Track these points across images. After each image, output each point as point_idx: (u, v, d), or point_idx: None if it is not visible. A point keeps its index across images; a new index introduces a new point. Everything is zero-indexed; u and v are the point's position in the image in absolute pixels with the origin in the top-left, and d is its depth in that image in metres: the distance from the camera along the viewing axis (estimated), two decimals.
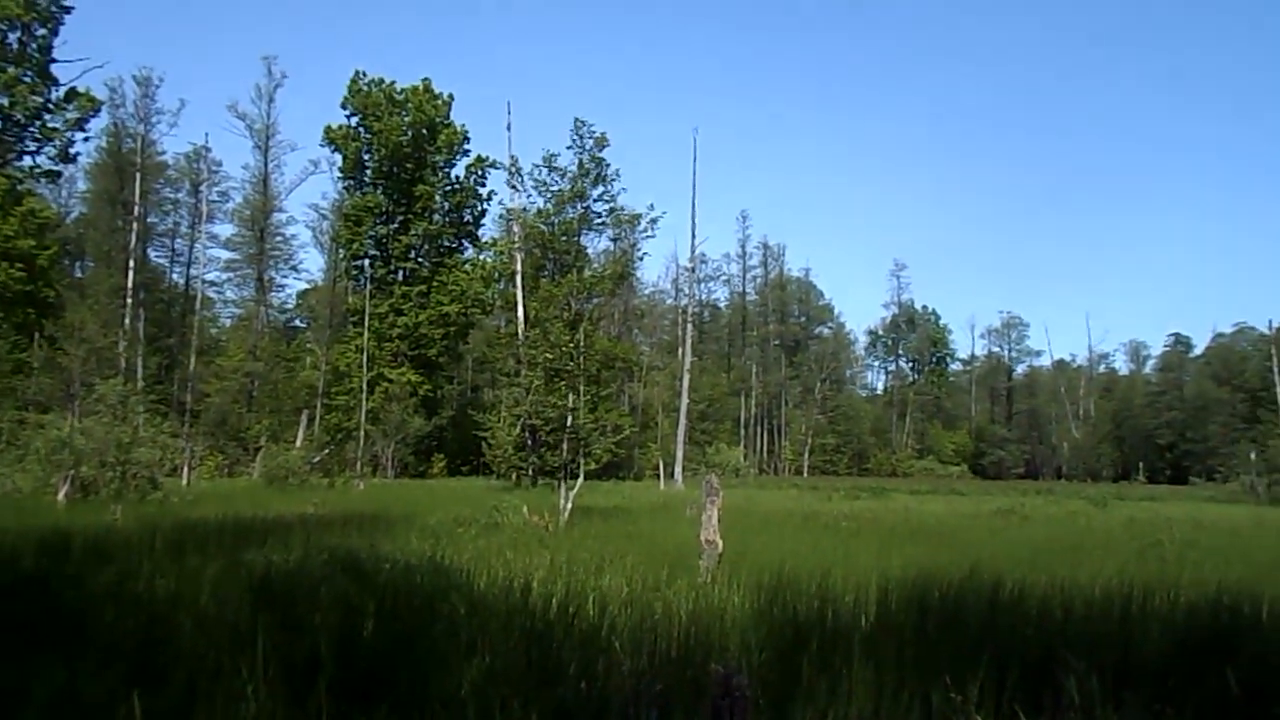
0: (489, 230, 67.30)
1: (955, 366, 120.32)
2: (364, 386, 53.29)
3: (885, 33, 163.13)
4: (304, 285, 78.66)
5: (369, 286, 59.28)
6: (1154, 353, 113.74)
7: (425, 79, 62.00)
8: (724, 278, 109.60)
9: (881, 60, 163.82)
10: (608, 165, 43.39)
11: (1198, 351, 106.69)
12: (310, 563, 7.94)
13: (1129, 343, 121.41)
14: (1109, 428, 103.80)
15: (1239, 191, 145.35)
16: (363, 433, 51.19)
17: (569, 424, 26.54)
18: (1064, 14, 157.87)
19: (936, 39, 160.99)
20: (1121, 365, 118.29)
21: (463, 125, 63.40)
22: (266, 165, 66.03)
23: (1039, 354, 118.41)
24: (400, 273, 61.98)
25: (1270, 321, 79.78)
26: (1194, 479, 77.05)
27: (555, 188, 43.55)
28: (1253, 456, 53.26)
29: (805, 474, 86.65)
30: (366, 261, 61.22)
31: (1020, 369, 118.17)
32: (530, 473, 38.24)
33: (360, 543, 9.81)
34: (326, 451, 41.03)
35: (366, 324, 56.22)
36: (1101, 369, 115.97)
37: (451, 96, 62.96)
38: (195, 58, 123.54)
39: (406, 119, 60.39)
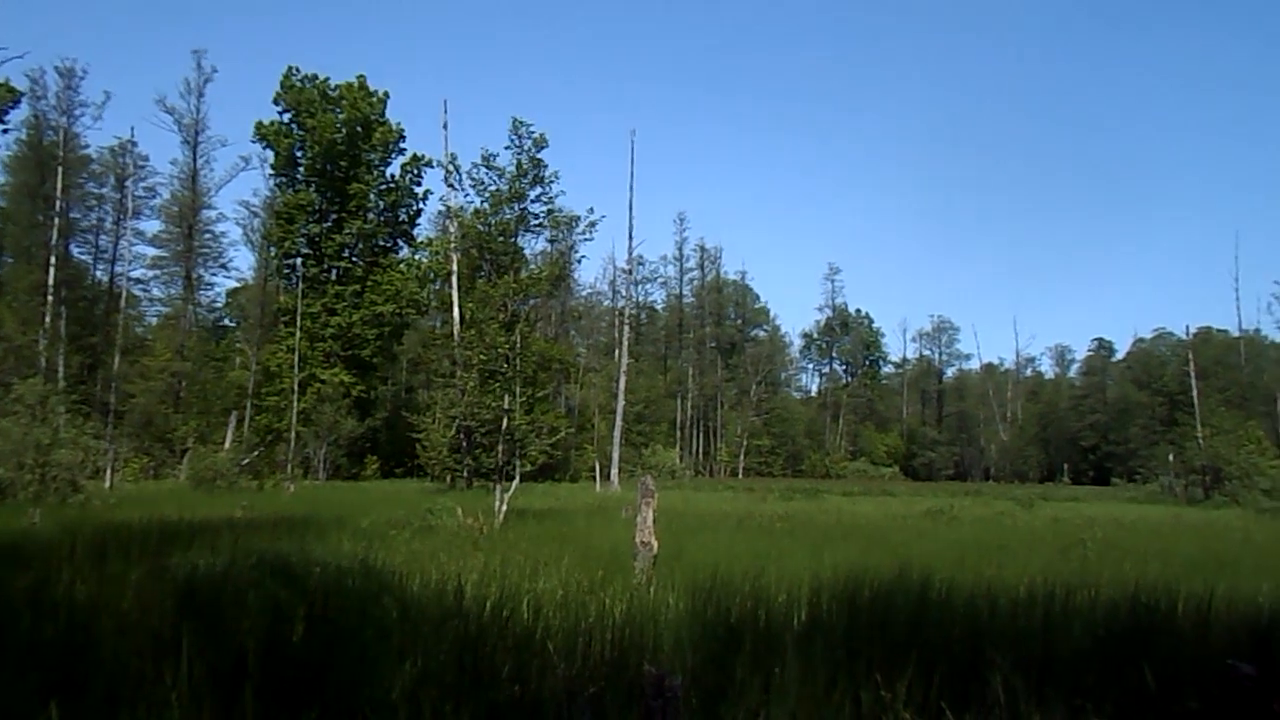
0: (424, 230, 66.72)
1: (888, 369, 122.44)
2: (295, 387, 52.37)
3: (822, 39, 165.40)
4: (234, 284, 76.93)
5: (301, 285, 58.23)
6: (1078, 357, 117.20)
7: (360, 76, 61.22)
8: (661, 280, 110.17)
9: (817, 66, 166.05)
10: (546, 166, 43.21)
11: (1119, 356, 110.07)
12: (238, 567, 7.78)
13: (1054, 347, 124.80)
14: (1035, 430, 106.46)
15: (1158, 202, 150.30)
16: (294, 434, 50.28)
17: (504, 425, 26.42)
18: (996, 17, 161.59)
19: (872, 46, 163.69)
20: (1047, 369, 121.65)
21: (398, 123, 62.73)
22: (195, 161, 64.45)
23: (968, 357, 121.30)
24: (333, 272, 61.02)
25: (1187, 327, 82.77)
26: (1116, 480, 79.43)
27: (493, 188, 43.20)
28: (1171, 458, 55.08)
29: (741, 475, 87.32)
30: (299, 260, 60.13)
31: (950, 372, 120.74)
32: (465, 475, 37.94)
33: (290, 546, 9.63)
34: (256, 453, 40.17)
35: (298, 324, 55.24)
36: (1028, 372, 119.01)
37: (387, 94, 62.23)
38: (122, 50, 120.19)
39: (341, 116, 59.50)
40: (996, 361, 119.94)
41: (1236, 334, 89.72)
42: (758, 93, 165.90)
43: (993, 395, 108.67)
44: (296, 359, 53.77)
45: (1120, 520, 25.16)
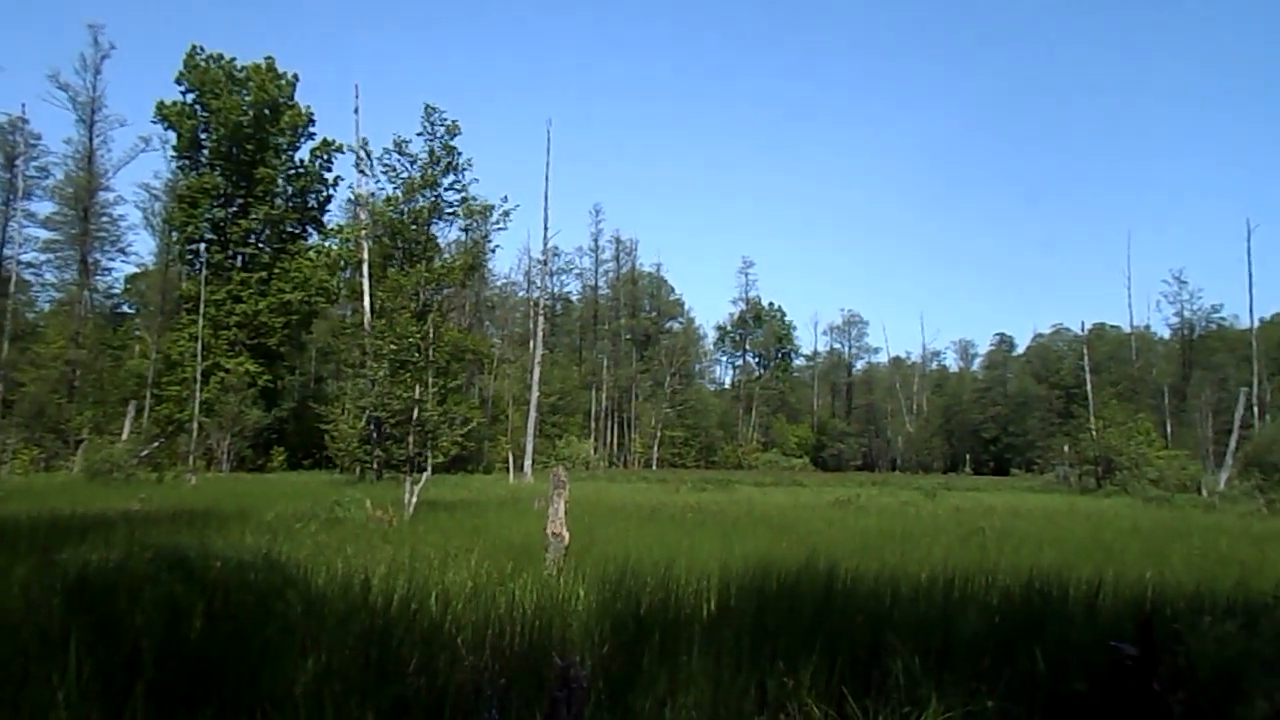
0: (335, 217, 65.23)
1: (799, 362, 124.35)
2: (198, 376, 50.84)
3: (736, 31, 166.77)
4: (133, 269, 73.90)
5: (205, 272, 56.49)
6: (981, 351, 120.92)
7: (268, 57, 59.62)
8: (576, 271, 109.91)
9: (732, 58, 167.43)
10: (459, 154, 42.62)
11: (1020, 351, 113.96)
12: (133, 561, 7.51)
13: (959, 341, 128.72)
14: (940, 422, 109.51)
15: (1057, 201, 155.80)
16: (196, 425, 48.83)
17: (415, 416, 26.11)
18: (913, 11, 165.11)
19: (787, 36, 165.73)
20: (952, 363, 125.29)
21: (308, 107, 61.29)
22: (92, 140, 61.75)
23: (877, 351, 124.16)
24: (239, 258, 59.36)
25: (1083, 323, 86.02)
26: (1015, 470, 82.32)
27: (405, 175, 42.45)
28: (1066, 449, 57.25)
29: (654, 466, 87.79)
30: (202, 246, 58.33)
31: (860, 365, 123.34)
32: (375, 466, 37.34)
33: (190, 540, 9.33)
34: (156, 445, 38.81)
35: (202, 311, 53.61)
36: (934, 366, 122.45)
37: (296, 77, 60.74)
38: (12, 23, 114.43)
39: (247, 98, 57.82)
40: (904, 355, 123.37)
41: (1128, 330, 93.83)
42: (674, 85, 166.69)
43: (900, 388, 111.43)
44: (200, 347, 52.18)
45: (1018, 509, 26.03)
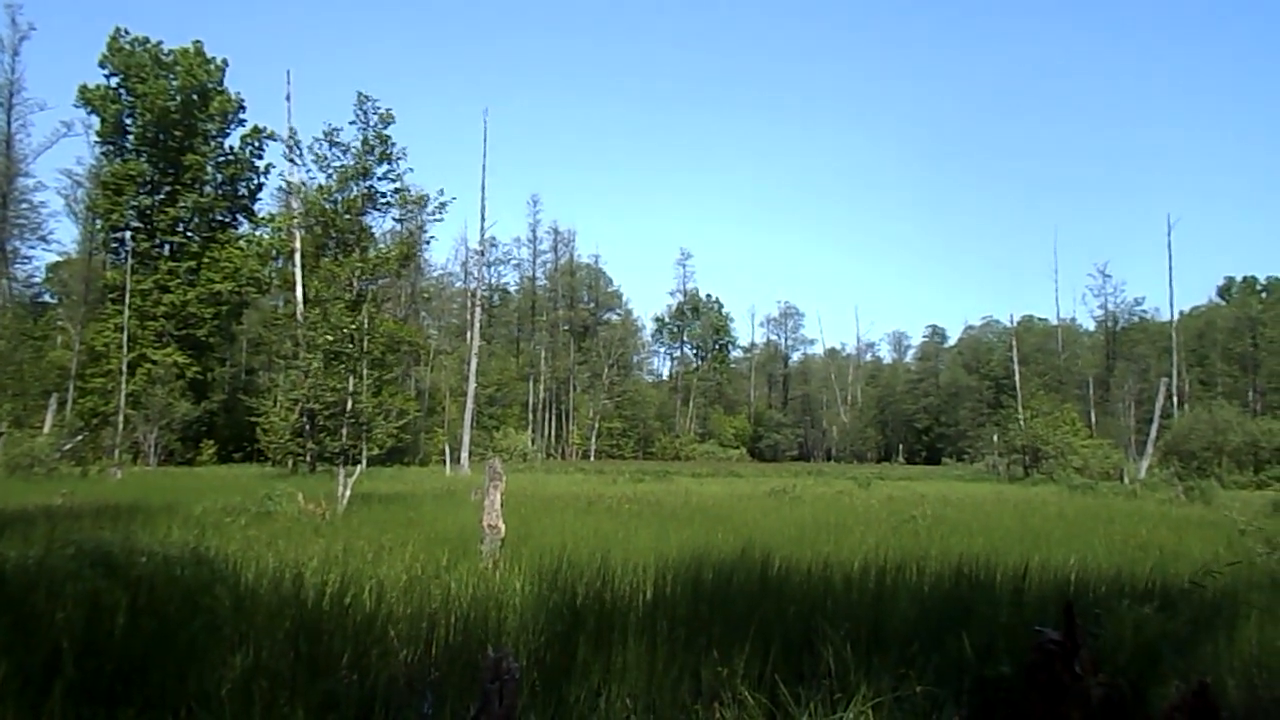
0: (267, 205, 63.87)
1: (736, 353, 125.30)
2: (124, 368, 49.52)
3: (676, 22, 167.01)
4: (55, 257, 71.47)
5: (130, 261, 54.93)
6: (914, 343, 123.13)
7: (196, 41, 58.09)
8: (514, 262, 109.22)
9: (671, 49, 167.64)
10: (393, 143, 41.98)
11: (951, 342, 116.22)
12: (53, 558, 7.27)
13: (892, 333, 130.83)
14: (874, 412, 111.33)
15: (988, 195, 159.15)
16: (121, 417, 47.58)
17: (349, 408, 25.74)
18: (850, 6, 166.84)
19: (724, 28, 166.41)
20: (886, 354, 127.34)
21: (237, 93, 59.90)
22: (10, 124, 59.39)
23: (813, 342, 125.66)
24: (167, 247, 57.87)
25: (1011, 316, 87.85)
26: (946, 459, 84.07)
27: (337, 163, 41.68)
28: (995, 439, 58.67)
29: (592, 458, 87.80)
30: (128, 234, 56.67)
31: (796, 357, 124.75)
32: (308, 459, 36.75)
33: (114, 535, 9.08)
34: (79, 438, 37.72)
35: (127, 301, 52.18)
36: (868, 357, 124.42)
37: (225, 62, 59.33)
38: None
39: (175, 83, 56.31)
40: (839, 347, 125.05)
41: (1055, 323, 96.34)
42: (612, 76, 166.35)
43: (835, 379, 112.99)
44: (125, 338, 50.80)
45: (948, 497, 26.58)
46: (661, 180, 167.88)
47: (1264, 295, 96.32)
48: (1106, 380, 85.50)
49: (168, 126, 56.51)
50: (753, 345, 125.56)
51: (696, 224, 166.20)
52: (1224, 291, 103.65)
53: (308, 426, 36.83)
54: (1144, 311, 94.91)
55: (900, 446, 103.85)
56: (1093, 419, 75.99)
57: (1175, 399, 68.93)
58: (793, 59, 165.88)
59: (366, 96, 41.11)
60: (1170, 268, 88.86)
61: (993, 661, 5.50)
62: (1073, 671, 4.66)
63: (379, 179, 42.39)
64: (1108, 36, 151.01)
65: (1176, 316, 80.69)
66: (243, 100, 60.09)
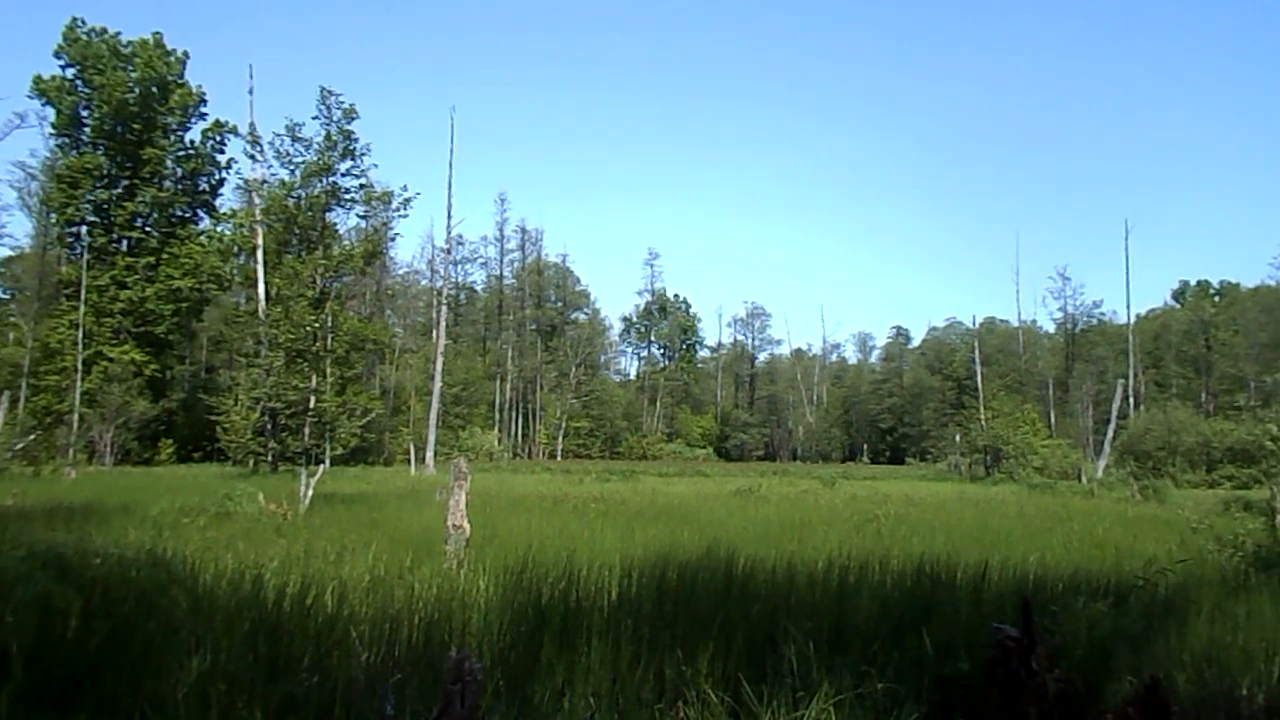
0: (229, 201, 63.02)
1: (704, 353, 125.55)
2: (79, 366, 48.62)
3: (645, 20, 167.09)
4: (7, 252, 70.08)
5: (86, 256, 53.93)
6: (879, 344, 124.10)
7: (156, 33, 57.11)
8: (481, 260, 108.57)
9: (640, 48, 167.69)
10: (357, 139, 41.56)
11: (915, 343, 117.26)
12: (3, 559, 7.14)
13: (858, 334, 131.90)
14: (839, 412, 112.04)
15: (949, 197, 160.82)
16: (76, 416, 46.72)
17: (312, 407, 25.49)
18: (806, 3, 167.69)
19: (697, 29, 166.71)
20: (851, 355, 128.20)
21: (199, 86, 59.02)
22: None
23: (779, 343, 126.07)
24: (125, 242, 56.89)
25: (974, 317, 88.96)
26: (910, 459, 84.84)
27: (300, 159, 41.18)
28: (957, 439, 59.29)
29: (559, 457, 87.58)
30: (84, 228, 55.63)
31: (762, 357, 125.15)
32: (270, 458, 36.33)
33: (67, 536, 8.93)
34: (32, 437, 36.95)
35: (83, 297, 51.21)
36: (834, 358, 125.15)
37: (186, 54, 58.42)
38: None
39: (134, 75, 55.36)
40: (805, 347, 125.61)
41: (1016, 324, 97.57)
42: (581, 75, 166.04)
43: (801, 379, 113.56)
44: (81, 335, 49.89)
45: (911, 497, 26.84)
46: (630, 180, 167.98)
47: (1217, 299, 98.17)
48: (1066, 381, 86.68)
49: (126, 119, 55.59)
50: (720, 345, 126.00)
51: (665, 224, 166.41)
52: (1178, 295, 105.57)
53: (269, 425, 36.43)
54: (1102, 314, 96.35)
55: (865, 446, 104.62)
56: (1052, 419, 77.05)
57: (1132, 400, 70.06)
58: (761, 56, 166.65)
59: (330, 91, 40.68)
60: (1127, 271, 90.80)
61: (952, 658, 5.57)
62: (1030, 668, 4.73)
63: (343, 175, 41.95)
64: (1072, 41, 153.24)
65: (1133, 319, 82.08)
66: (204, 94, 59.29)
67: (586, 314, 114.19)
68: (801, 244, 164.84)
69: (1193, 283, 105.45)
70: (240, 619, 5.79)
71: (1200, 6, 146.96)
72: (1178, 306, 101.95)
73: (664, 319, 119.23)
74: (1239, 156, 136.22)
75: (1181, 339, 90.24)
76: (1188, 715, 5.60)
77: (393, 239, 59.38)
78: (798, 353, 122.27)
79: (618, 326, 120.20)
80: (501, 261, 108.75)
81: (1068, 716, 4.84)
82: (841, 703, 4.86)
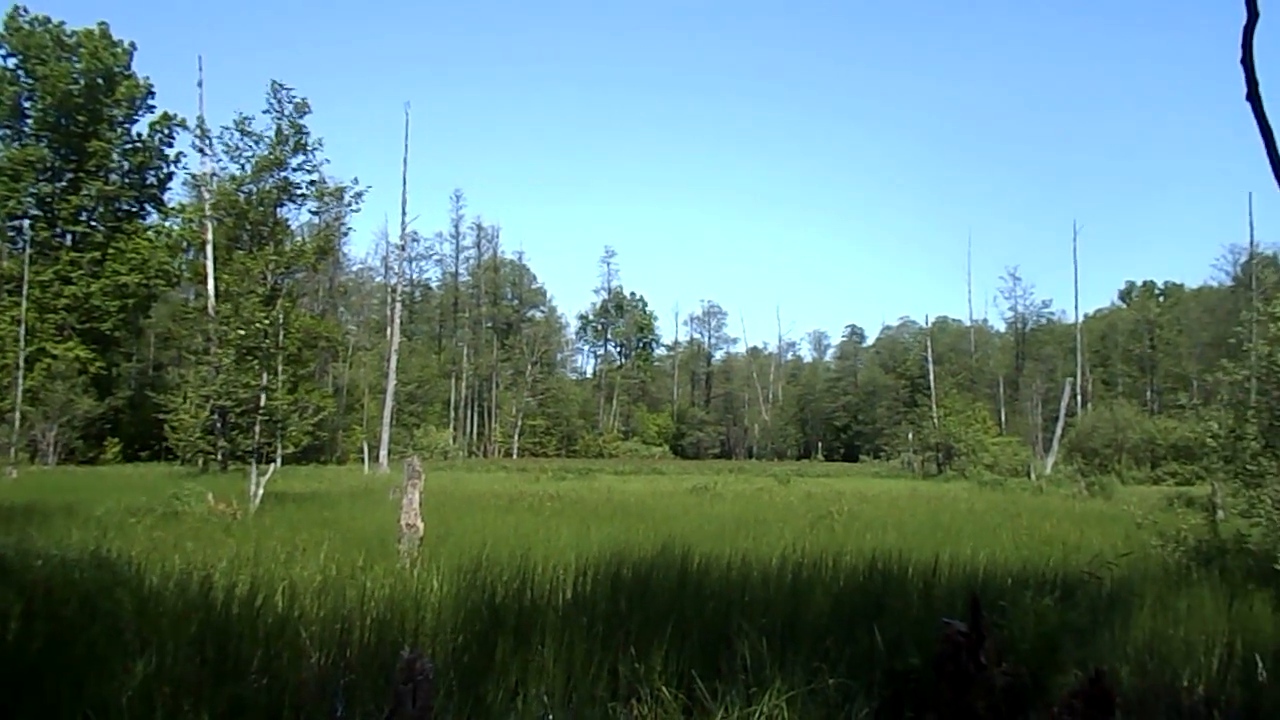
0: (177, 195, 61.91)
1: (660, 351, 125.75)
2: (20, 363, 47.46)
3: (601, 17, 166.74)
4: None
5: (29, 250, 52.69)
6: (833, 343, 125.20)
7: (101, 23, 55.95)
8: (436, 257, 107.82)
9: (595, 45, 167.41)
10: (309, 133, 41.00)
11: (869, 342, 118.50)
12: None
13: (813, 333, 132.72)
14: (794, 410, 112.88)
15: (904, 196, 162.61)
16: (18, 414, 45.60)
17: (263, 405, 25.12)
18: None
19: (650, 21, 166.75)
20: (806, 353, 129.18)
21: (146, 78, 57.88)
22: None
23: (735, 341, 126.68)
24: (69, 237, 55.70)
25: (927, 316, 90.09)
26: (864, 457, 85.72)
27: (250, 153, 40.54)
28: (910, 436, 60.03)
29: (515, 456, 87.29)
30: (26, 222, 54.34)
31: (719, 355, 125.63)
32: (219, 457, 35.76)
33: (7, 538, 8.73)
34: None
35: (25, 293, 50.02)
36: (789, 356, 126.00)
37: (133, 45, 57.29)
38: None
39: (78, 65, 54.18)
40: (761, 346, 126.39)
41: (968, 324, 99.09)
42: (538, 71, 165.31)
43: (756, 377, 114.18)
44: (22, 331, 48.70)
45: (864, 494, 27.12)
46: (588, 178, 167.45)
47: (1161, 299, 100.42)
48: (1016, 379, 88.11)
49: (70, 111, 54.37)
50: (676, 343, 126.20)
51: (622, 222, 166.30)
52: (1125, 295, 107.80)
53: (219, 424, 35.81)
54: (1051, 313, 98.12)
55: (819, 444, 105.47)
56: (1003, 417, 78.28)
57: (1079, 398, 71.41)
58: (716, 52, 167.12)
59: (281, 85, 40.10)
60: (1076, 272, 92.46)
61: (903, 653, 5.64)
62: (978, 662, 4.80)
63: (294, 170, 41.38)
64: (1024, 41, 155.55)
65: (1081, 319, 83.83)
66: (152, 86, 58.16)
67: (543, 312, 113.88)
68: (758, 243, 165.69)
69: (1139, 283, 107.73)
70: (187, 621, 5.69)
71: (1148, 7, 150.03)
72: (1124, 306, 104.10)
73: (620, 317, 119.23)
74: (1185, 159, 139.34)
75: (1128, 338, 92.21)
76: (1131, 707, 5.73)
77: (345, 235, 58.76)
78: (754, 351, 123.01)
79: (574, 324, 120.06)
80: (457, 258, 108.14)
81: (1015, 709, 4.92)
82: (794, 698, 4.90)
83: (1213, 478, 12.83)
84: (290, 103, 40.41)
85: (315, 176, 42.19)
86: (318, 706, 4.81)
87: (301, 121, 40.68)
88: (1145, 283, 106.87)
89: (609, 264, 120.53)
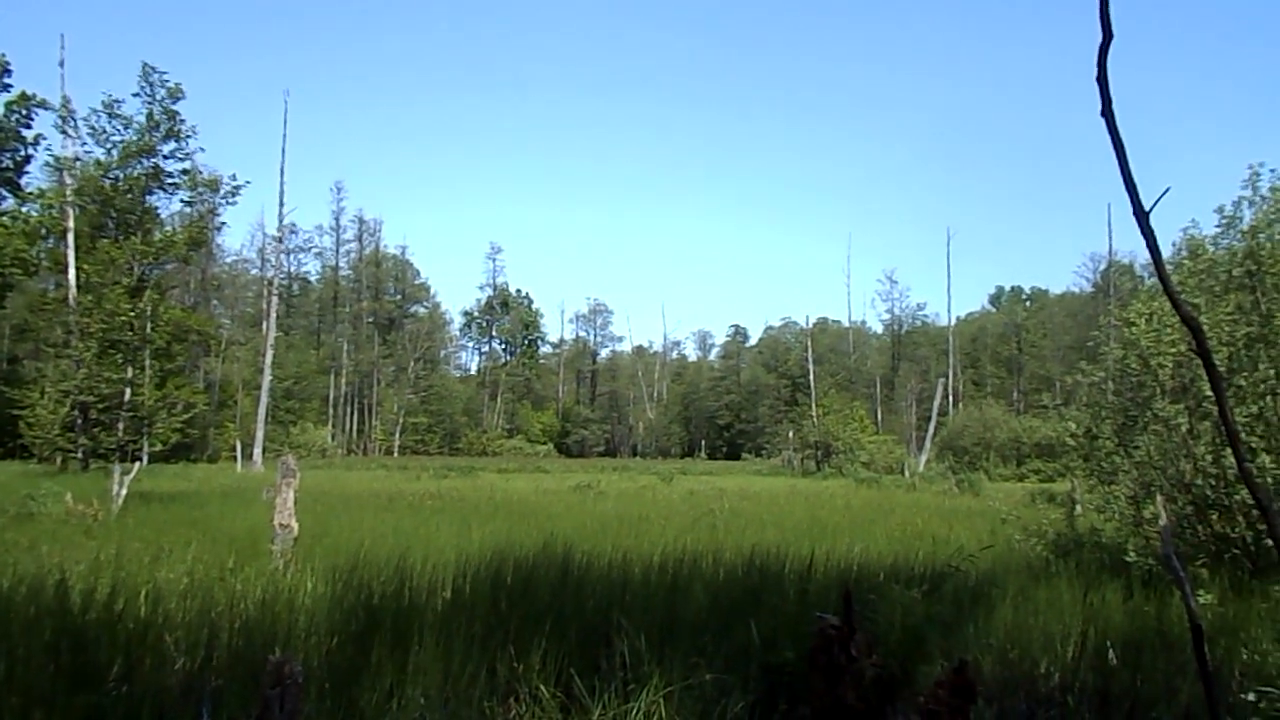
0: (36, 179, 58.51)
1: (546, 349, 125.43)
2: None
3: (483, 8, 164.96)
4: None
5: None
6: (718, 342, 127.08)
7: None
8: (315, 250, 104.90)
9: (483, 36, 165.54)
10: (183, 120, 39.36)
11: (753, 342, 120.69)
12: None
13: (698, 332, 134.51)
14: (678, 409, 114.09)
15: (787, 198, 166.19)
16: None
17: (128, 400, 24.04)
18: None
19: (543, 15, 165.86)
20: (691, 352, 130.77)
21: (1, 55, 54.48)
22: None
23: (621, 340, 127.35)
24: None
25: (807, 317, 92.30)
26: (746, 455, 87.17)
27: (118, 138, 38.65)
28: (791, 435, 61.40)
29: (396, 454, 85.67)
30: None
31: (604, 353, 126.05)
32: (80, 455, 34.02)
33: None
34: None
35: None
36: (674, 355, 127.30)
37: None
38: None
39: None
40: (646, 344, 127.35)
41: (847, 325, 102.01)
42: (423, 63, 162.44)
43: (642, 376, 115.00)
44: None
45: (746, 491, 27.62)
46: (473, 173, 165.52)
47: (1028, 304, 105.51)
48: (892, 379, 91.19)
49: None
50: (562, 341, 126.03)
51: (507, 218, 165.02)
52: (995, 299, 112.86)
53: (80, 420, 34.09)
54: (925, 316, 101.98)
55: (703, 442, 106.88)
56: (879, 416, 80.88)
57: (951, 398, 74.34)
58: (607, 45, 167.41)
59: (153, 68, 38.39)
60: (949, 276, 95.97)
61: (778, 648, 5.77)
62: (849, 654, 4.95)
63: (165, 157, 39.68)
64: (904, 50, 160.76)
65: (953, 321, 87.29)
66: (8, 63, 54.73)
67: (426, 307, 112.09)
68: (644, 242, 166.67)
69: (1007, 288, 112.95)
70: (40, 627, 5.40)
71: (1024, 17, 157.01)
72: (994, 310, 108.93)
73: (506, 314, 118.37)
74: (1051, 169, 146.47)
75: (996, 341, 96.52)
76: (993, 695, 6.01)
77: (219, 227, 56.64)
78: (639, 350, 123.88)
79: (458, 321, 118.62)
80: (337, 252, 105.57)
81: (884, 699, 5.10)
82: (671, 694, 4.96)
83: (1072, 475, 13.52)
84: (163, 87, 38.74)
85: (188, 165, 40.59)
86: (182, 712, 4.64)
87: (175, 107, 39.05)
88: (1013, 288, 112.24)
89: (494, 260, 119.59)
